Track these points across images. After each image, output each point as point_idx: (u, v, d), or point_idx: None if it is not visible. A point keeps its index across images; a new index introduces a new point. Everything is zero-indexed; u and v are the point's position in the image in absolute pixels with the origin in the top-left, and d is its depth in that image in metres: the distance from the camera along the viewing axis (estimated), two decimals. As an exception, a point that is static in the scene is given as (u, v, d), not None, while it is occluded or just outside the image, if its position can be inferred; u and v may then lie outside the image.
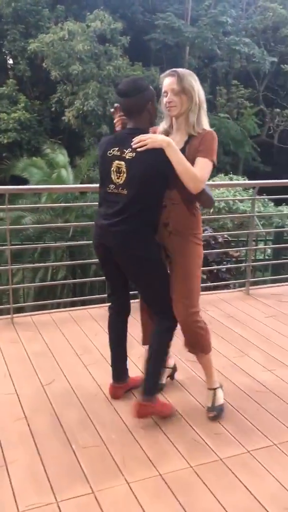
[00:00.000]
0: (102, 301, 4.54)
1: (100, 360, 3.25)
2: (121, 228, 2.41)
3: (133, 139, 2.38)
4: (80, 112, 16.35)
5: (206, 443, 2.47)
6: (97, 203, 2.59)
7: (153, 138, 2.36)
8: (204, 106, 2.50)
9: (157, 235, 2.53)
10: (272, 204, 12.26)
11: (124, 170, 2.39)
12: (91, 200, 10.73)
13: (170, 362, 2.96)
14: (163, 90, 2.49)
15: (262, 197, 8.28)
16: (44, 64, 17.04)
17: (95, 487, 2.16)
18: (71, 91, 16.91)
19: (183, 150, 2.43)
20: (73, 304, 5.00)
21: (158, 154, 2.34)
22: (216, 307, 4.24)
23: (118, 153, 2.42)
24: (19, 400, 2.78)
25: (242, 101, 20.05)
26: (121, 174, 2.40)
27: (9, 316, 3.86)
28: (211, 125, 2.89)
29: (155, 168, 2.36)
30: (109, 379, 2.86)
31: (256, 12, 21.31)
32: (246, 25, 21.04)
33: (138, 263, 2.49)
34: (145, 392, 2.58)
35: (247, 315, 4.10)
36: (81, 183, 11.58)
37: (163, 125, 2.60)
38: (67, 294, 8.33)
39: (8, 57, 19.96)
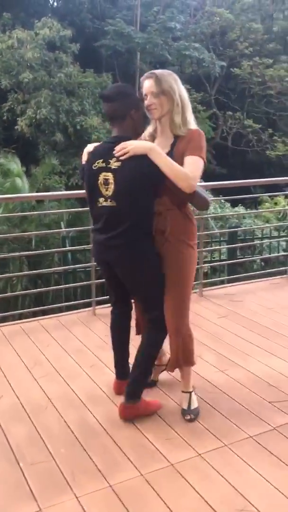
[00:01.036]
0: (58, 310, 4.49)
1: (51, 373, 3.18)
2: (118, 241, 2.40)
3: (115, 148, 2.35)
4: (33, 120, 16.11)
5: (157, 448, 2.44)
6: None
7: (134, 145, 2.33)
8: (189, 105, 2.49)
9: (153, 243, 2.52)
10: (229, 205, 12.43)
11: (112, 181, 2.35)
12: (49, 208, 10.62)
13: (165, 359, 2.98)
14: (143, 94, 2.50)
15: (217, 198, 8.38)
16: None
17: (42, 504, 2.09)
18: (23, 99, 16.66)
19: (170, 153, 2.42)
20: (26, 315, 4.89)
21: (143, 160, 2.31)
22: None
23: (104, 165, 2.37)
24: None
25: (195, 105, 20.27)
26: (109, 186, 2.36)
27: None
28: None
29: (143, 175, 2.33)
30: (60, 391, 2.88)
31: (204, 17, 21.62)
32: (195, 30, 21.30)
33: (138, 275, 2.51)
34: (128, 396, 2.63)
35: (200, 316, 4.11)
36: (37, 192, 11.43)
37: (148, 130, 2.60)
38: (29, 306, 8.18)
39: None
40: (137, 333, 2.88)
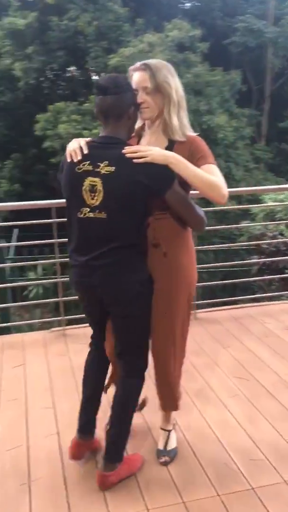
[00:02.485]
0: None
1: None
2: (106, 261, 1.98)
3: (110, 150, 1.95)
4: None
5: (239, 469, 2.29)
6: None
7: (154, 151, 1.92)
8: (184, 104, 2.10)
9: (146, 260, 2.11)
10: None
11: (100, 188, 1.94)
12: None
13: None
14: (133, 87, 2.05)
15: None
16: (124, 77, 17.39)
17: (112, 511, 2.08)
18: (151, 101, 17.12)
19: None
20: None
21: (144, 169, 1.90)
22: (275, 319, 3.98)
23: (91, 168, 1.96)
24: (55, 415, 2.77)
25: None
26: (96, 194, 1.95)
27: (61, 328, 3.91)
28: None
29: (141, 185, 1.91)
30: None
31: None
32: None
33: (129, 302, 2.07)
34: (110, 459, 2.19)
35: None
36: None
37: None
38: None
39: (92, 74, 20.63)
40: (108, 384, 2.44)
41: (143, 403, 2.55)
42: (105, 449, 2.21)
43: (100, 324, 2.29)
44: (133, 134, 2.16)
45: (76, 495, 2.17)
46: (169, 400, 2.34)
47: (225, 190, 2.00)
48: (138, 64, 2.06)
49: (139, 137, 2.19)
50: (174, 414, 2.47)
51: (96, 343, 2.37)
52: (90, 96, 18.35)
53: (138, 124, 2.16)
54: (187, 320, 2.25)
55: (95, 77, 20.61)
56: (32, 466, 2.36)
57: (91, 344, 2.41)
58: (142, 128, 2.19)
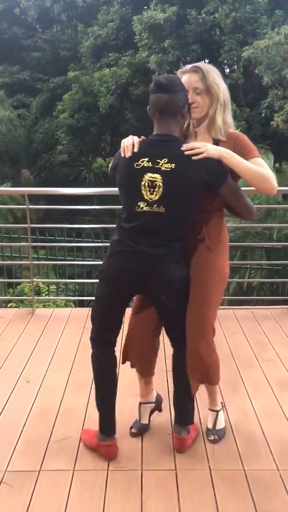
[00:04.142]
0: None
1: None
2: (159, 251, 2.12)
3: (168, 148, 2.09)
4: (291, 116, 16.02)
5: (303, 452, 2.42)
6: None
7: (209, 147, 2.09)
8: (229, 105, 2.26)
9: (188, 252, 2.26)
10: None
11: (160, 184, 2.06)
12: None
13: (152, 396, 2.61)
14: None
15: None
16: (256, 70, 17.16)
17: (179, 466, 2.33)
18: (283, 95, 16.67)
19: None
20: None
21: (201, 165, 2.06)
22: None
23: (150, 164, 2.07)
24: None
25: None
26: (156, 189, 2.06)
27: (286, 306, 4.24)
28: None
29: (200, 181, 2.07)
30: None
31: None
32: None
33: (177, 288, 2.21)
34: (185, 424, 2.42)
35: None
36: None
37: None
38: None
39: (225, 66, 20.64)
40: (123, 361, 2.52)
41: (158, 402, 2.64)
42: (177, 417, 2.44)
43: (114, 318, 2.33)
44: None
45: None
46: (201, 373, 2.38)
47: (275, 182, 2.14)
48: (188, 66, 2.24)
49: (185, 137, 2.31)
50: (219, 395, 2.59)
51: (105, 341, 2.36)
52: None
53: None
54: (216, 309, 2.38)
55: (227, 70, 20.60)
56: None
57: (96, 345, 2.37)
58: (187, 128, 2.31)
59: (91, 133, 19.44)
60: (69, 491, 2.18)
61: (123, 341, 2.50)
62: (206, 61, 20.67)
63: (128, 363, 2.53)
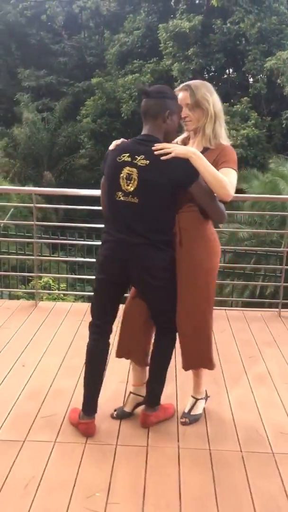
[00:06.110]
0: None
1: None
2: (138, 240, 2.35)
3: (146, 147, 2.32)
4: (312, 126, 16.09)
5: None
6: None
7: (177, 147, 2.32)
8: (221, 117, 2.49)
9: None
10: None
11: (135, 177, 2.32)
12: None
13: (144, 390, 2.72)
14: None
15: None
16: (279, 80, 17.29)
17: (212, 446, 2.54)
18: (305, 106, 16.77)
19: None
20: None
21: (173, 165, 2.28)
22: None
23: (129, 159, 2.34)
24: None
25: None
26: (132, 181, 2.33)
27: (277, 309, 4.43)
28: None
29: (169, 179, 2.29)
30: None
31: None
32: None
33: (158, 273, 2.41)
34: (151, 404, 2.66)
35: None
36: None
37: (182, 136, 2.64)
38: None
39: (248, 76, 20.77)
40: (119, 355, 2.73)
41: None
42: (146, 396, 2.68)
43: (109, 304, 2.57)
44: (179, 143, 2.58)
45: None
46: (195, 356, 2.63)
47: (232, 191, 2.34)
48: (181, 85, 2.53)
49: (185, 145, 2.52)
50: (203, 385, 2.79)
51: (100, 327, 2.59)
52: (243, 98, 18.56)
53: (184, 135, 2.63)
54: (212, 299, 2.60)
55: (251, 80, 20.72)
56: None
57: (93, 332, 2.61)
58: (188, 138, 2.62)
59: (113, 138, 19.69)
60: (48, 460, 2.41)
61: (118, 330, 2.70)
62: (230, 70, 20.84)
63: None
